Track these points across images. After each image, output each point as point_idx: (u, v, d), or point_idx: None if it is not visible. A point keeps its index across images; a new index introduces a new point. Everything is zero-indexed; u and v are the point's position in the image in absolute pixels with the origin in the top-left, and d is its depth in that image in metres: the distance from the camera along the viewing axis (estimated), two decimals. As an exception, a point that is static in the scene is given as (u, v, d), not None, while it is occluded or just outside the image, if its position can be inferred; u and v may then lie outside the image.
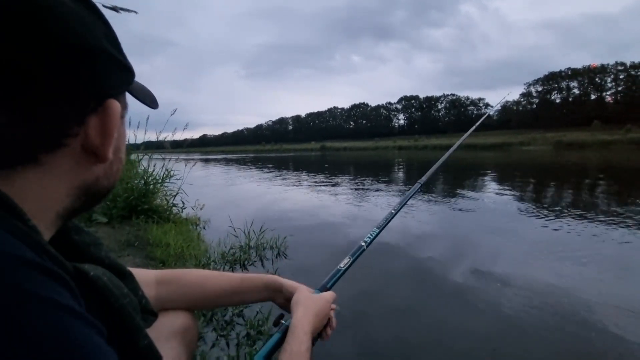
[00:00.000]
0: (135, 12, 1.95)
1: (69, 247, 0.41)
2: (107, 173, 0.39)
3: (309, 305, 0.65)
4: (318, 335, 0.68)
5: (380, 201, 5.72)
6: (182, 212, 4.11)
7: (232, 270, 2.57)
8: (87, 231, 0.45)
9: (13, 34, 0.29)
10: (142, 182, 3.84)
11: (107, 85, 0.35)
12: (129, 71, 0.38)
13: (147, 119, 4.05)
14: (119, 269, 0.45)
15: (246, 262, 2.68)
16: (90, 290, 0.34)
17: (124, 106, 0.39)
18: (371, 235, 0.90)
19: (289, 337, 0.58)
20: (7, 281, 0.25)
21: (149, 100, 0.44)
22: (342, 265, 0.81)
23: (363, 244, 0.87)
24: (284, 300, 0.73)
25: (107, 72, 0.35)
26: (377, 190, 7.24)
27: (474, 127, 1.71)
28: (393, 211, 1.00)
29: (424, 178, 1.19)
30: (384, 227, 0.94)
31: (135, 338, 0.38)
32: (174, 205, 4.08)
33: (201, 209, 4.30)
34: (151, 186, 3.93)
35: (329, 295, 0.72)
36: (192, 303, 0.71)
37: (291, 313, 0.64)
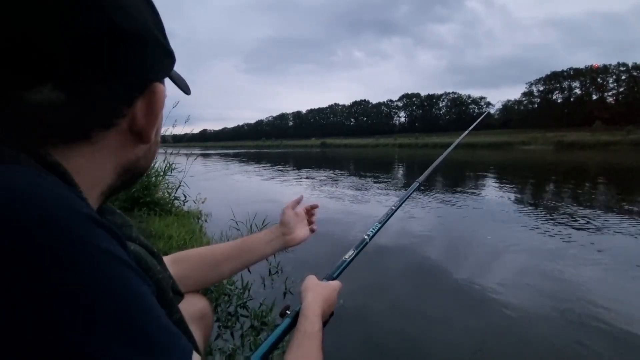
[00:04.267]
0: None
1: None
2: (147, 154, 0.41)
3: (318, 290, 0.68)
4: (324, 324, 0.72)
5: (379, 198, 5.76)
6: (184, 205, 4.15)
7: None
8: (119, 212, 0.48)
9: (73, 15, 0.31)
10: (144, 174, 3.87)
11: (155, 69, 0.37)
12: (171, 57, 0.40)
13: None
14: (150, 248, 0.48)
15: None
16: None
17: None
18: (373, 229, 0.94)
19: (301, 319, 0.60)
20: (83, 235, 0.26)
21: (184, 86, 0.47)
22: (346, 256, 0.84)
23: (366, 237, 0.91)
24: (289, 238, 0.84)
25: (155, 57, 0.37)
26: (377, 187, 7.27)
27: (470, 128, 1.73)
28: (393, 207, 1.04)
29: (422, 177, 1.23)
30: (385, 222, 0.98)
31: (169, 312, 0.40)
32: (176, 198, 4.12)
33: (203, 202, 4.33)
34: (153, 179, 3.96)
35: (336, 283, 0.75)
36: (206, 275, 0.75)
37: (301, 298, 0.67)
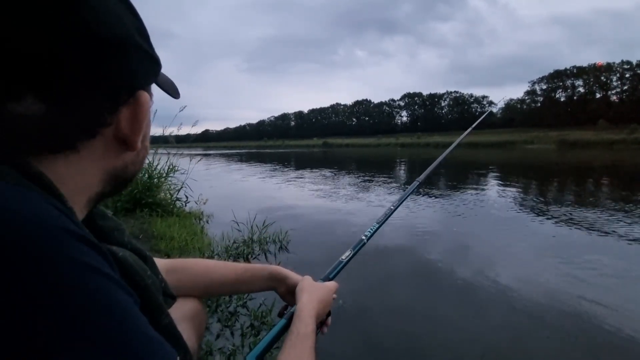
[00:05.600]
0: None
1: (95, 231, 0.43)
2: (135, 160, 0.41)
3: (313, 291, 0.68)
4: (320, 324, 0.71)
5: (379, 198, 5.75)
6: (185, 206, 4.16)
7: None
8: (110, 217, 0.48)
9: (51, 26, 0.30)
10: (147, 175, 3.89)
11: (138, 77, 0.37)
12: (156, 63, 0.40)
13: (155, 114, 4.08)
14: (141, 252, 0.48)
15: (249, 256, 2.72)
16: (119, 269, 0.36)
17: (150, 96, 0.41)
18: (371, 229, 0.93)
19: (295, 320, 0.60)
20: (57, 249, 0.27)
21: (172, 90, 0.47)
22: (343, 257, 0.84)
23: (364, 237, 0.90)
24: (285, 290, 0.76)
25: (138, 64, 0.37)
26: (377, 187, 7.26)
27: (472, 127, 1.71)
28: (392, 207, 1.03)
29: (422, 177, 1.21)
30: (383, 223, 0.97)
31: (158, 317, 0.41)
32: (178, 199, 4.13)
33: (204, 203, 4.34)
34: (155, 180, 3.97)
35: (331, 284, 0.75)
36: (198, 291, 0.74)
37: (296, 299, 0.67)
